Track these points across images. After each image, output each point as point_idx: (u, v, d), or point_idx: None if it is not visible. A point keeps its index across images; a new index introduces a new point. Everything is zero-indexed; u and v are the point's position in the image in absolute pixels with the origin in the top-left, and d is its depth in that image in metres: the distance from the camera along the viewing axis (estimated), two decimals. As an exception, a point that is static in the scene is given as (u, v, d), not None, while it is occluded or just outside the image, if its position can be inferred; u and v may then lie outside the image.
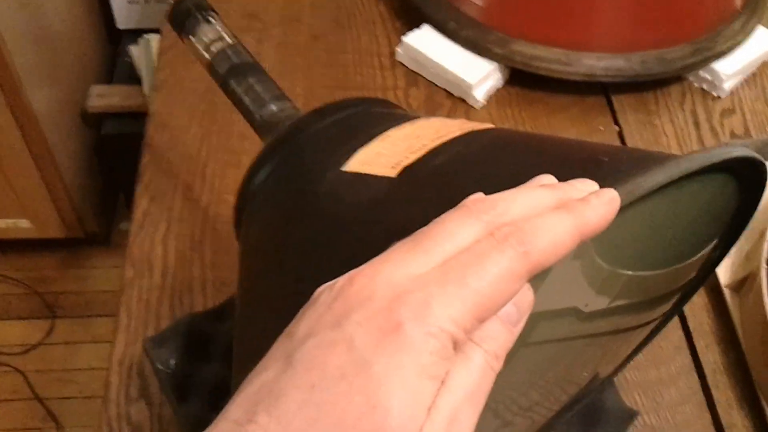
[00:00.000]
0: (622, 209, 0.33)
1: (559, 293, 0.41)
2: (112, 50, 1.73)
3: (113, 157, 1.58)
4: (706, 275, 0.52)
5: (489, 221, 0.29)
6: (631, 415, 0.60)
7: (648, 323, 0.54)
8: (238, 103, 0.57)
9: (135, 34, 1.61)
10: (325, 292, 0.29)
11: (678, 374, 0.66)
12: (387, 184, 0.41)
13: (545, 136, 0.49)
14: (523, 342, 0.42)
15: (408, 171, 0.41)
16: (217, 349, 0.58)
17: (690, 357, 0.67)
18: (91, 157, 1.63)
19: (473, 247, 0.28)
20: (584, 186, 0.33)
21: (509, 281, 0.28)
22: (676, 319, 0.69)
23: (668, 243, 0.45)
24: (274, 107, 0.55)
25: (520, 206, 0.30)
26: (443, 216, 0.30)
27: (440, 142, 0.42)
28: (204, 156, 0.78)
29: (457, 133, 0.42)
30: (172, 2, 0.63)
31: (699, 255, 0.49)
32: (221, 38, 0.60)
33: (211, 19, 0.61)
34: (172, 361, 0.56)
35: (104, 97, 1.55)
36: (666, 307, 0.53)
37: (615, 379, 0.63)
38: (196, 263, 0.69)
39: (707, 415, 0.64)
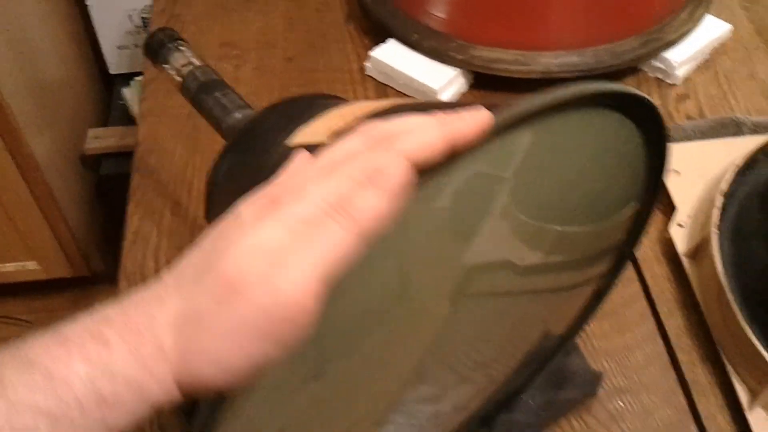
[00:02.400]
0: (528, 160, 0.38)
1: (492, 247, 0.46)
2: (107, 94, 1.79)
3: (113, 195, 1.64)
4: (638, 234, 0.56)
5: (370, 136, 0.35)
6: (596, 377, 0.64)
7: (588, 282, 0.58)
8: (207, 115, 0.63)
9: (127, 78, 1.68)
10: None
11: (643, 339, 0.70)
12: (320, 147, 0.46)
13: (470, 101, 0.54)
14: (464, 293, 0.47)
15: (336, 133, 0.45)
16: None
17: (654, 323, 0.71)
18: (92, 198, 1.69)
19: (351, 152, 0.34)
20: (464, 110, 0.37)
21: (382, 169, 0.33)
22: (639, 290, 0.73)
23: (587, 198, 0.50)
24: (238, 115, 0.61)
25: (400, 124, 0.35)
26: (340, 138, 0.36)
27: (369, 111, 0.46)
28: (189, 175, 0.83)
29: (387, 106, 0.47)
30: (147, 36, 0.70)
31: (621, 213, 0.53)
32: (190, 62, 0.67)
33: (181, 47, 0.68)
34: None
35: (101, 139, 1.61)
36: (603, 266, 0.58)
37: (581, 346, 0.68)
38: (186, 271, 0.74)
39: (672, 375, 0.68)
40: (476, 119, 0.35)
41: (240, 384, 0.32)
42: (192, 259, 0.33)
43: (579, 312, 0.61)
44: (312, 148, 0.46)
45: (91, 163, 1.65)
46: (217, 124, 0.62)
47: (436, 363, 0.52)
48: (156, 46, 0.68)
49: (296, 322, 0.31)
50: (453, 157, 0.35)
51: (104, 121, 1.74)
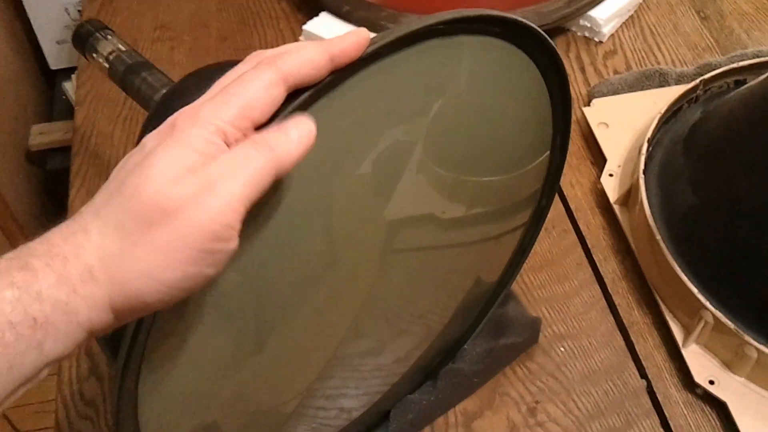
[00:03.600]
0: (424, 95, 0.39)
1: (412, 201, 0.47)
2: (49, 90, 1.78)
3: (62, 190, 1.63)
4: (554, 181, 0.58)
5: (257, 58, 0.38)
6: (535, 322, 0.66)
7: (513, 230, 0.60)
8: (136, 95, 0.65)
9: (68, 72, 1.67)
10: None
11: (581, 287, 0.73)
12: None
13: None
14: (391, 248, 0.48)
15: None
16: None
17: (591, 270, 0.74)
18: (40, 193, 1.67)
19: (239, 74, 0.36)
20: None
21: (266, 88, 0.35)
22: (575, 240, 0.76)
23: (499, 146, 0.51)
24: (164, 91, 0.63)
25: (287, 47, 0.38)
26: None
27: None
28: (129, 157, 0.83)
29: None
30: (75, 28, 0.72)
31: (536, 161, 0.55)
32: (117, 49, 0.69)
33: (108, 36, 0.70)
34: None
35: (45, 135, 1.60)
36: (525, 216, 0.59)
37: (521, 296, 0.70)
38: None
39: (610, 318, 0.70)
40: (355, 36, 0.38)
41: (174, 301, 0.35)
42: (109, 191, 0.35)
43: (509, 260, 0.63)
44: None
45: (37, 158, 1.64)
46: (145, 102, 0.64)
47: (372, 318, 0.53)
48: (84, 37, 0.70)
49: (225, 240, 0.34)
50: (339, 73, 0.38)
51: (48, 117, 1.73)
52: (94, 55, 0.69)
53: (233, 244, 0.34)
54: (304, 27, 0.93)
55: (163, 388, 0.42)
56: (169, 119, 0.36)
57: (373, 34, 0.39)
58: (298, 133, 0.36)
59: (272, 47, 0.87)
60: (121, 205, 0.33)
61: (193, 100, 0.49)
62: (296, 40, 0.95)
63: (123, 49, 0.68)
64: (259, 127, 0.36)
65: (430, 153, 0.46)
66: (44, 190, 1.68)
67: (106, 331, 0.35)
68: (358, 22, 0.91)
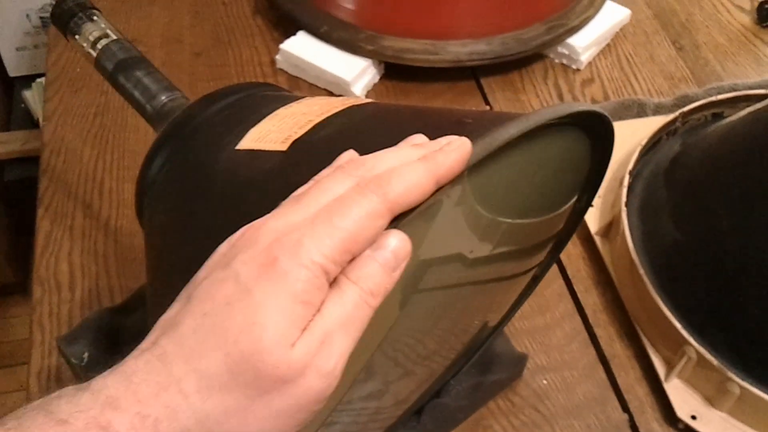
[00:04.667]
0: (487, 159, 0.38)
1: (445, 241, 0.46)
2: (6, 98, 1.73)
3: (20, 202, 1.58)
4: (574, 225, 0.57)
5: (358, 176, 0.34)
6: (521, 358, 0.66)
7: (528, 271, 0.59)
8: (128, 97, 0.59)
9: (28, 80, 1.63)
10: (223, 244, 0.35)
11: (562, 318, 0.72)
12: (278, 156, 0.44)
13: (419, 107, 0.53)
14: (415, 289, 0.47)
15: (297, 143, 0.44)
16: (126, 339, 0.61)
17: (572, 301, 0.73)
18: (-3, 204, 1.63)
19: (341, 196, 0.34)
20: (446, 141, 0.37)
21: (371, 219, 0.33)
22: (556, 270, 0.75)
23: (538, 194, 0.50)
24: (164, 98, 0.57)
25: (387, 162, 0.35)
26: (319, 174, 0.36)
27: (325, 117, 0.45)
28: (100, 175, 0.81)
29: (339, 108, 0.46)
30: (54, 4, 0.63)
31: (566, 206, 0.55)
32: (106, 35, 0.61)
33: (94, 17, 0.62)
34: (85, 355, 0.59)
35: (3, 144, 1.56)
36: (542, 255, 0.59)
37: (504, 328, 0.69)
38: (101, 275, 0.72)
39: (592, 351, 0.70)
40: (458, 151, 0.36)
41: None
42: (202, 337, 0.32)
43: (515, 301, 0.62)
44: (266, 156, 0.45)
45: (-5, 168, 1.60)
46: (140, 107, 0.58)
47: (383, 359, 0.51)
48: (65, 15, 0.62)
49: (327, 396, 0.33)
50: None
51: (5, 126, 1.68)
52: (77, 37, 0.61)
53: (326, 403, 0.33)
54: (282, 46, 0.91)
55: None
56: (263, 241, 0.32)
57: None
58: (396, 263, 0.34)
59: (248, 64, 0.84)
60: (228, 366, 0.31)
61: (222, 142, 0.47)
62: (272, 58, 0.93)
63: (114, 37, 0.61)
64: None
65: (475, 192, 0.45)
66: (2, 200, 1.64)
67: None
68: (336, 43, 0.90)
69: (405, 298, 0.47)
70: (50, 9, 0.77)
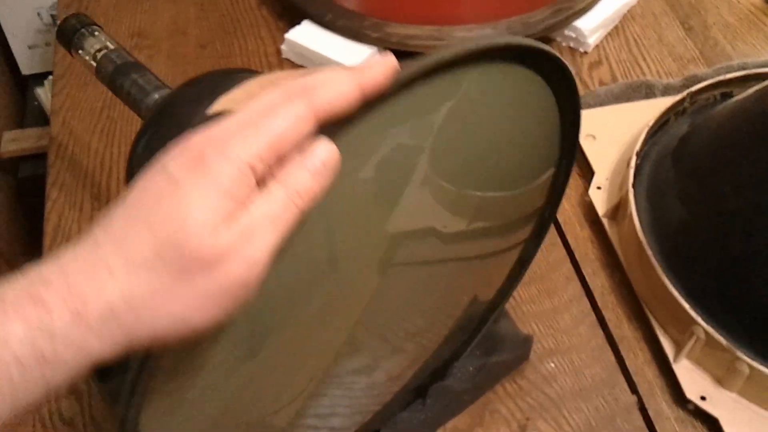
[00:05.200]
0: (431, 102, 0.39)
1: (414, 214, 0.46)
2: (20, 96, 1.74)
3: (34, 198, 1.59)
4: (555, 202, 0.58)
5: (287, 88, 0.36)
6: (526, 340, 0.66)
7: (513, 248, 0.59)
8: (125, 97, 0.62)
9: (41, 77, 1.63)
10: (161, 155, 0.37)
11: (570, 301, 0.72)
12: None
13: None
14: (390, 262, 0.47)
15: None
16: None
17: (580, 284, 0.73)
18: (12, 202, 1.64)
19: (269, 103, 0.35)
20: (374, 59, 0.38)
21: (297, 121, 0.35)
22: (563, 253, 0.75)
23: (505, 163, 0.50)
24: (156, 95, 0.61)
25: (316, 76, 0.37)
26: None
27: (287, 79, 0.46)
28: (107, 167, 0.81)
29: (305, 74, 0.47)
30: (59, 23, 0.68)
31: (540, 179, 0.54)
32: (105, 47, 0.66)
33: (95, 32, 0.67)
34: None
35: (17, 141, 1.57)
36: (525, 233, 0.59)
37: (510, 311, 0.69)
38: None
39: (600, 333, 0.70)
40: (384, 65, 0.37)
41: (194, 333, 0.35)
42: (130, 220, 0.34)
43: (506, 277, 0.62)
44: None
45: (9, 166, 1.61)
46: (135, 105, 0.61)
47: (367, 334, 0.52)
48: (69, 32, 0.67)
49: (251, 287, 0.34)
50: (366, 105, 0.37)
51: (19, 123, 1.69)
52: (80, 52, 0.66)
53: (253, 290, 0.35)
54: (287, 35, 0.91)
55: (159, 406, 0.41)
56: (194, 143, 0.34)
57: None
58: (324, 170, 0.35)
59: (253, 55, 0.85)
60: (153, 247, 0.33)
61: (195, 112, 0.48)
62: (277, 48, 0.93)
63: (111, 47, 0.65)
64: None
65: (436, 165, 0.45)
66: (16, 197, 1.65)
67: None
68: (341, 31, 0.90)
69: (382, 272, 0.48)
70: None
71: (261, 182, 0.34)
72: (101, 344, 0.32)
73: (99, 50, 0.65)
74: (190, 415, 0.44)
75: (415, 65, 0.38)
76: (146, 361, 0.36)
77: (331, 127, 0.36)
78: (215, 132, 0.35)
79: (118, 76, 0.63)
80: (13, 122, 1.70)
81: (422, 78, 0.39)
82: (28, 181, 1.56)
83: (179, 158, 0.34)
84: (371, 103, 0.37)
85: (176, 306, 0.33)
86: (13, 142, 1.57)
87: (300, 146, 0.35)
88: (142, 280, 0.33)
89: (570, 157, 0.55)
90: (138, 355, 0.35)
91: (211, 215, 0.33)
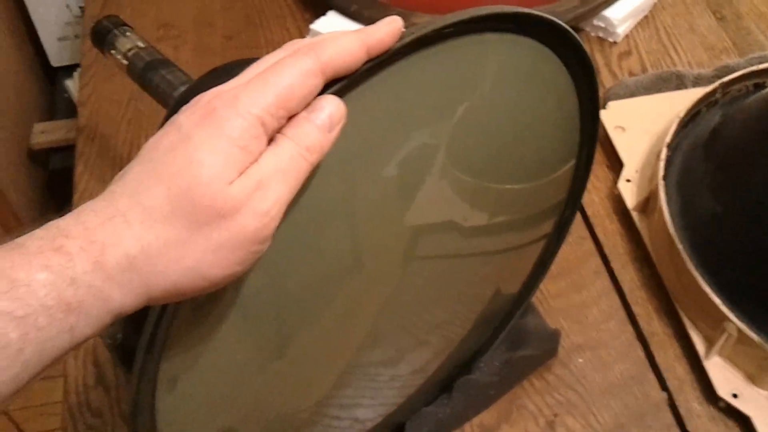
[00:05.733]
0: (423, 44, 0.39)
1: (433, 208, 0.46)
2: (50, 88, 1.76)
3: (65, 189, 1.61)
4: (577, 196, 0.57)
5: (294, 47, 0.37)
6: (554, 335, 0.65)
7: (535, 241, 0.58)
8: (154, 92, 0.64)
9: (70, 69, 1.65)
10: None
11: (599, 296, 0.71)
12: None
13: None
14: (411, 255, 0.47)
15: None
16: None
17: (609, 279, 0.72)
18: (43, 193, 1.66)
19: (277, 61, 0.36)
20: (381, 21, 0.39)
21: (304, 77, 0.35)
22: (592, 247, 0.74)
23: (524, 153, 0.50)
24: (182, 88, 0.62)
25: (324, 36, 0.37)
26: None
27: None
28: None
29: None
30: (93, 25, 0.71)
31: (561, 171, 0.54)
32: (136, 45, 0.68)
33: (127, 33, 0.69)
34: (119, 335, 0.60)
35: (48, 133, 1.58)
36: (547, 227, 0.58)
37: (537, 305, 0.68)
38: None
39: (630, 329, 0.69)
40: (389, 26, 0.38)
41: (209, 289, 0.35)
42: (144, 173, 0.34)
43: (530, 272, 0.61)
44: None
45: (40, 158, 1.62)
46: (164, 99, 0.63)
47: (391, 326, 0.52)
48: (103, 33, 0.69)
49: (266, 242, 0.35)
50: (371, 62, 0.37)
51: (50, 115, 1.71)
52: (113, 51, 0.69)
53: (268, 244, 0.35)
54: (312, 26, 0.91)
55: (183, 391, 0.41)
56: (204, 99, 0.35)
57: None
58: (331, 124, 0.36)
59: (279, 46, 0.85)
60: (168, 199, 0.33)
61: None
62: (303, 38, 0.93)
63: (142, 45, 0.67)
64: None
65: (454, 158, 0.45)
66: (47, 189, 1.67)
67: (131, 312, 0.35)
68: (366, 22, 0.89)
69: (402, 264, 0.48)
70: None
71: (270, 138, 0.35)
72: (121, 294, 0.33)
73: (130, 49, 0.67)
74: (218, 410, 0.45)
75: (417, 30, 0.38)
76: (156, 330, 0.37)
77: (339, 84, 0.37)
78: (225, 88, 0.35)
79: (147, 72, 0.64)
80: (43, 114, 1.72)
81: (426, 42, 0.40)
82: (58, 172, 1.58)
83: (190, 114, 0.35)
84: (376, 66, 0.38)
85: (191, 258, 0.34)
86: (43, 134, 1.59)
87: (308, 103, 0.36)
88: (159, 231, 0.33)
89: (591, 147, 0.55)
90: (156, 308, 0.36)
91: (223, 167, 0.33)
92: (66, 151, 1.58)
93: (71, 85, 1.61)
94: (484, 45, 0.43)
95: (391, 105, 0.41)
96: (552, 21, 0.45)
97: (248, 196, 0.34)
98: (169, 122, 0.35)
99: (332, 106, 0.36)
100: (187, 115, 0.35)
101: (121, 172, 0.35)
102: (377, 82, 0.39)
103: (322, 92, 0.36)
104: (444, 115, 0.43)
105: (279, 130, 0.35)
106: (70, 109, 1.63)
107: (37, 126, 1.61)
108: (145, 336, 0.37)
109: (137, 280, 0.33)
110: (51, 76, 1.75)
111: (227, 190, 0.33)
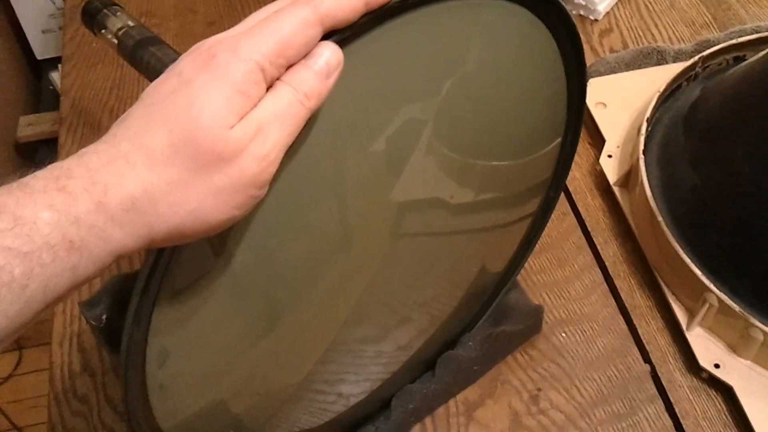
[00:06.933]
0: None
1: (420, 184, 0.46)
2: (35, 80, 1.75)
3: (52, 183, 1.61)
4: (562, 175, 0.57)
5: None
6: (537, 310, 0.65)
7: (521, 219, 0.58)
8: (145, 69, 0.63)
9: (55, 62, 1.65)
10: None
11: (581, 270, 0.71)
12: None
13: None
14: (397, 231, 0.47)
15: None
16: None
17: (591, 254, 0.72)
18: (30, 187, 1.65)
19: (277, 11, 0.36)
20: None
21: (303, 26, 0.35)
22: (574, 223, 0.74)
23: (509, 129, 0.50)
24: None
25: None
26: None
27: None
28: (117, 147, 0.81)
29: None
30: (83, 4, 0.70)
31: (547, 148, 0.54)
32: (126, 24, 0.67)
33: (117, 12, 0.69)
34: (104, 317, 0.60)
35: (34, 126, 1.58)
36: (533, 205, 0.58)
37: (521, 281, 0.68)
38: (120, 244, 0.73)
39: (612, 302, 0.69)
40: None
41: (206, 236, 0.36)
42: (146, 117, 0.35)
43: (516, 250, 0.61)
44: None
45: (27, 150, 1.62)
46: (155, 76, 0.62)
47: (376, 303, 0.52)
48: (92, 13, 0.69)
49: (264, 187, 0.36)
50: (368, 15, 0.37)
51: (36, 108, 1.70)
52: (103, 31, 0.68)
53: (266, 190, 0.36)
54: (294, 10, 0.91)
55: (173, 367, 0.42)
56: (205, 45, 0.35)
57: None
58: (329, 71, 0.36)
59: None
60: (169, 142, 0.34)
61: None
62: (286, 24, 0.93)
63: (132, 24, 0.67)
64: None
65: (441, 134, 0.45)
66: (34, 182, 1.66)
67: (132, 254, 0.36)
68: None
69: (389, 241, 0.48)
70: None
71: (269, 86, 0.35)
72: (123, 235, 0.33)
73: (120, 28, 0.67)
74: (209, 385, 0.46)
75: None
76: (141, 305, 0.38)
77: (337, 36, 0.37)
78: (225, 35, 0.36)
79: (137, 50, 0.64)
80: (29, 107, 1.71)
81: (423, 1, 0.40)
82: (45, 165, 1.58)
83: (191, 60, 0.35)
84: (378, 17, 0.38)
85: (193, 201, 0.34)
86: (30, 126, 1.59)
87: (306, 54, 0.36)
88: (161, 173, 0.34)
89: (576, 127, 0.55)
90: (153, 252, 0.37)
91: (223, 111, 0.34)
92: (53, 143, 1.58)
93: (56, 77, 1.61)
94: (479, 9, 0.43)
95: (385, 64, 0.41)
96: None
97: (248, 140, 0.34)
98: (169, 69, 0.36)
99: (329, 52, 0.36)
100: (187, 61, 0.35)
101: (123, 116, 0.36)
102: (373, 38, 0.39)
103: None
104: (435, 78, 0.44)
105: (278, 78, 0.36)
106: (55, 102, 1.63)
107: (23, 119, 1.60)
108: (132, 306, 0.38)
109: (139, 221, 0.34)
110: (36, 69, 1.75)
111: (228, 134, 0.34)
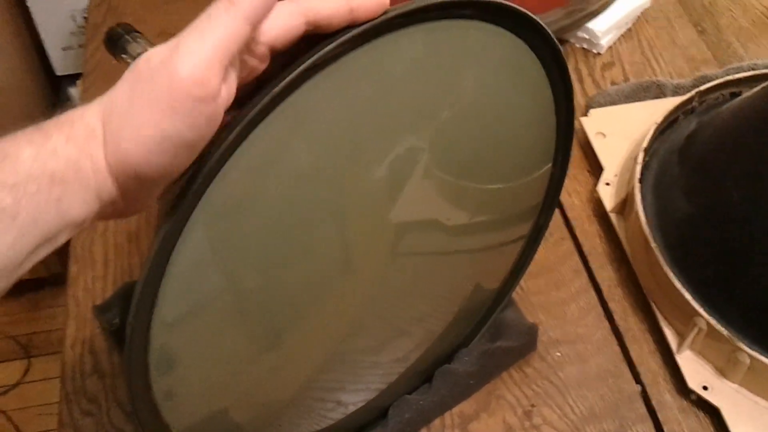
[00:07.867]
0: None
1: (417, 206, 0.48)
2: (54, 96, 1.79)
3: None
4: (553, 198, 0.60)
5: None
6: (531, 328, 0.67)
7: (515, 241, 0.61)
8: None
9: (74, 78, 1.68)
10: None
11: (577, 293, 0.74)
12: None
13: None
14: (396, 251, 0.50)
15: None
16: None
17: (587, 277, 0.75)
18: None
19: None
20: None
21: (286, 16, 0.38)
22: (572, 247, 0.77)
23: (503, 153, 0.52)
24: None
25: None
26: None
27: None
28: (133, 161, 0.84)
29: None
30: (106, 31, 0.74)
31: (538, 172, 0.56)
32: (145, 50, 0.70)
33: (138, 39, 0.73)
34: (116, 320, 0.63)
35: (50, 140, 1.61)
36: (526, 227, 0.61)
37: (518, 301, 0.71)
38: (134, 253, 0.76)
39: (606, 324, 0.71)
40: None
41: (162, 175, 0.37)
42: (124, 88, 0.38)
43: (510, 269, 0.64)
44: None
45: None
46: None
47: (373, 318, 0.54)
48: (114, 39, 0.73)
49: (202, 99, 0.35)
50: (353, 27, 0.38)
51: (52, 122, 1.74)
52: (124, 56, 0.72)
53: (211, 106, 0.36)
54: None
55: (178, 376, 0.44)
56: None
57: None
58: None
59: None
60: (126, 80, 0.37)
61: None
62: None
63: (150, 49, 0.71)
64: (275, 60, 0.39)
65: (437, 158, 0.47)
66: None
67: (115, 210, 0.38)
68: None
69: (387, 260, 0.50)
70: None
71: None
72: (93, 168, 0.36)
73: (140, 54, 0.70)
74: (215, 395, 0.48)
75: (402, 7, 0.40)
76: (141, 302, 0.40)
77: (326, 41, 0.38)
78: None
79: None
80: (47, 119, 1.75)
81: (409, 21, 0.41)
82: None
83: None
84: (363, 34, 0.38)
85: (135, 119, 0.35)
86: (46, 140, 1.62)
87: (287, 40, 0.38)
88: (112, 96, 0.37)
89: (565, 149, 0.57)
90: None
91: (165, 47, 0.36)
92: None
93: (75, 93, 1.65)
94: (467, 32, 0.45)
95: (374, 83, 0.42)
96: (525, 14, 0.47)
97: (176, 43, 0.36)
98: None
99: None
100: None
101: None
102: (360, 55, 0.40)
103: (304, 50, 0.38)
104: (425, 112, 0.45)
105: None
106: (72, 117, 1.66)
107: (40, 133, 1.64)
108: (132, 309, 0.40)
109: (98, 150, 0.36)
110: (55, 85, 1.78)
111: (162, 46, 0.36)
